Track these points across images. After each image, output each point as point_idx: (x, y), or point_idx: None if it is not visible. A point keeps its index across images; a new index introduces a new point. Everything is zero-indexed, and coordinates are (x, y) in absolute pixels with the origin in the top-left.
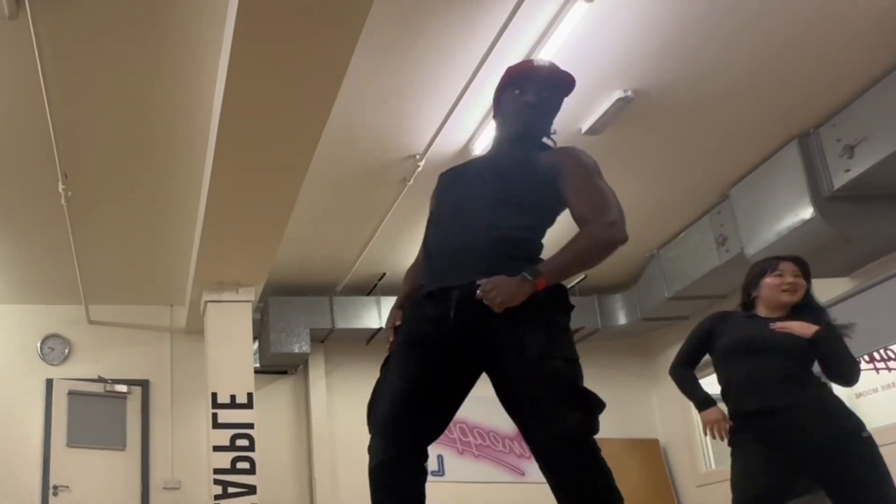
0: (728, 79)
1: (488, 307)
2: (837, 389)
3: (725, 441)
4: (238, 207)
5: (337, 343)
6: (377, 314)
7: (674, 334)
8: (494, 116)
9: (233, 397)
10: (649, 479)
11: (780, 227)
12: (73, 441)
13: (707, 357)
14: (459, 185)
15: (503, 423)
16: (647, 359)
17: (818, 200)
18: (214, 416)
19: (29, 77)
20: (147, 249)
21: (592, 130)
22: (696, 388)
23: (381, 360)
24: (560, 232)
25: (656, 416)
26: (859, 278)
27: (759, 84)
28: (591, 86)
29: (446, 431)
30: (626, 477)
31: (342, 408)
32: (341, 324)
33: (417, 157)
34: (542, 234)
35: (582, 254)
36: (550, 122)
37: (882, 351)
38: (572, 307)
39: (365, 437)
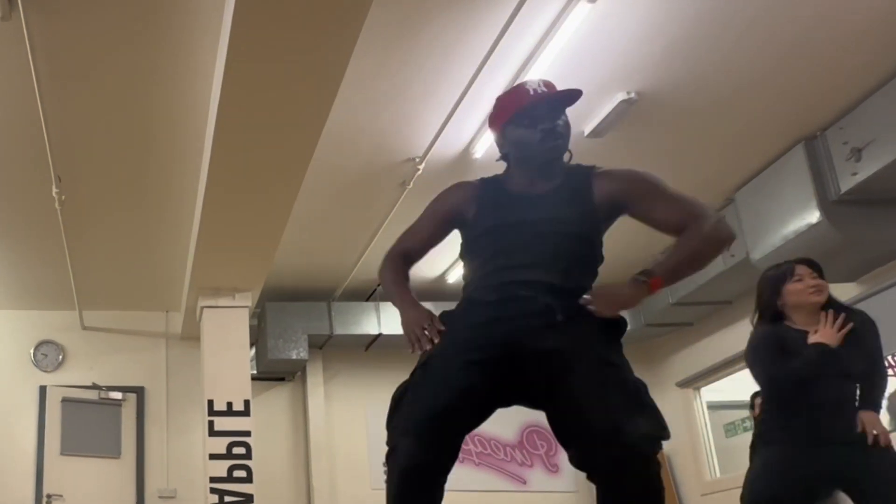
0: (733, 80)
1: (563, 320)
2: None
3: None
4: (235, 211)
5: (335, 349)
6: (376, 320)
7: (678, 341)
8: (503, 153)
9: (229, 405)
10: None
11: (786, 232)
12: (67, 449)
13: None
14: (514, 230)
15: (504, 430)
16: (650, 365)
17: (825, 204)
18: (211, 423)
19: (22, 79)
20: (142, 254)
21: (595, 133)
22: None
23: (381, 367)
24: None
25: None
26: (866, 283)
27: (764, 86)
28: (593, 88)
29: None
30: None
31: (341, 415)
32: (340, 330)
33: (417, 160)
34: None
35: (694, 253)
36: (569, 136)
37: (891, 357)
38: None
39: (363, 444)
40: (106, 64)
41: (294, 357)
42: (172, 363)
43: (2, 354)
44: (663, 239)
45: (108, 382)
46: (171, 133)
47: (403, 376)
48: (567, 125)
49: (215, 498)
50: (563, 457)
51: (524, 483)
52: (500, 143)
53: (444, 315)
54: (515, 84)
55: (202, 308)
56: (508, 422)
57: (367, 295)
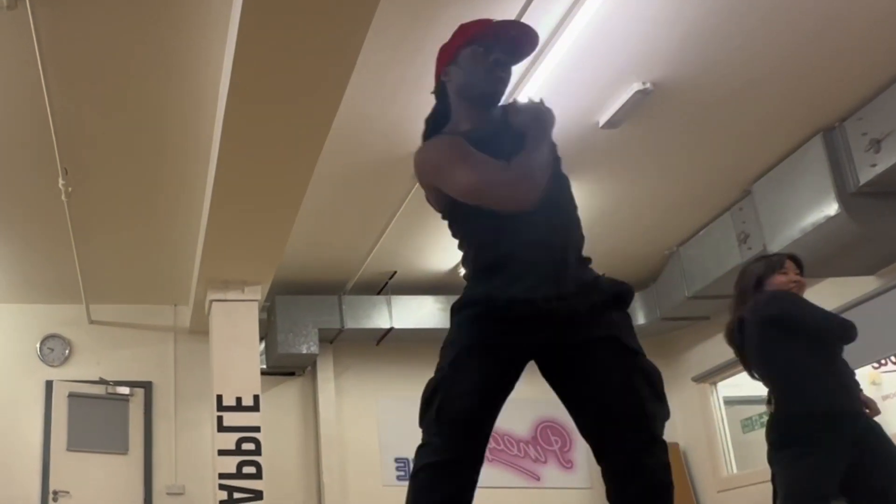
0: (750, 71)
1: (588, 308)
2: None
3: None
4: (244, 203)
5: (346, 344)
6: (388, 314)
7: (694, 335)
8: (444, 75)
9: (238, 400)
10: None
11: (803, 224)
12: (74, 445)
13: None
14: None
15: (518, 426)
16: (666, 360)
17: (843, 196)
18: (219, 419)
19: (28, 69)
20: (150, 247)
21: (610, 124)
22: None
23: (393, 361)
24: None
25: (676, 420)
26: (886, 277)
27: (782, 76)
28: (608, 78)
29: None
30: None
31: (352, 410)
32: (351, 324)
33: None
34: None
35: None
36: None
37: None
38: None
39: (374, 440)
40: (113, 53)
41: (304, 351)
42: (181, 358)
43: (8, 349)
44: (669, 235)
45: (116, 377)
46: (180, 124)
47: (415, 371)
48: (510, 73)
49: (224, 494)
50: (577, 453)
51: (538, 479)
52: (446, 69)
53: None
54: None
55: (211, 302)
56: (522, 417)
57: (379, 288)
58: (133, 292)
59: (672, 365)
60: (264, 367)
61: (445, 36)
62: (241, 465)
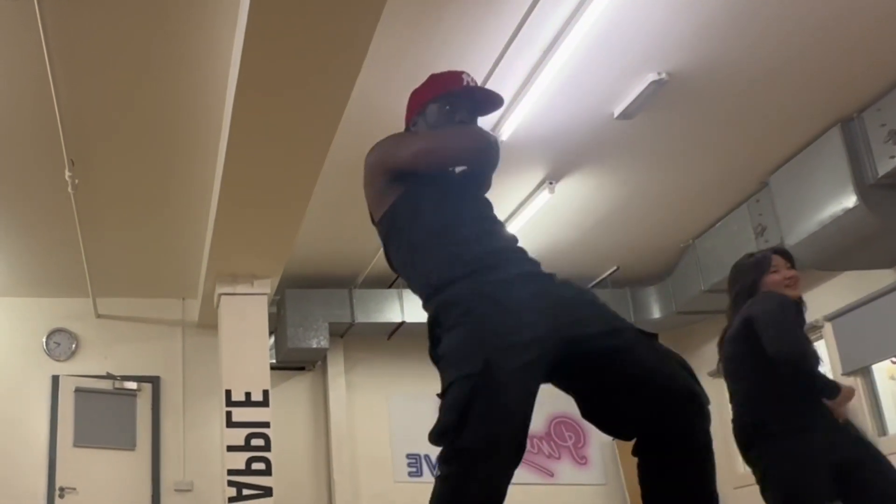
0: (768, 60)
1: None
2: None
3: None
4: (253, 196)
5: (357, 338)
6: (399, 307)
7: (710, 329)
8: (412, 125)
9: (248, 395)
10: None
11: (821, 217)
12: (81, 441)
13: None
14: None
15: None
16: (682, 354)
17: (862, 188)
18: (228, 414)
19: (34, 58)
20: (158, 240)
21: (625, 115)
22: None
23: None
24: None
25: None
26: None
27: (799, 66)
28: (623, 68)
29: None
30: None
31: (362, 406)
32: (361, 317)
33: None
34: None
35: None
36: None
37: None
38: None
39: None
40: (120, 42)
41: (314, 346)
42: (189, 352)
43: (13, 343)
44: (685, 228)
45: (123, 372)
46: (188, 116)
47: (427, 366)
48: None
49: (233, 491)
50: (591, 449)
51: (552, 476)
52: (415, 119)
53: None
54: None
55: (220, 295)
56: (535, 413)
57: (390, 282)
58: (141, 286)
59: (688, 359)
60: (274, 361)
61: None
62: (250, 461)
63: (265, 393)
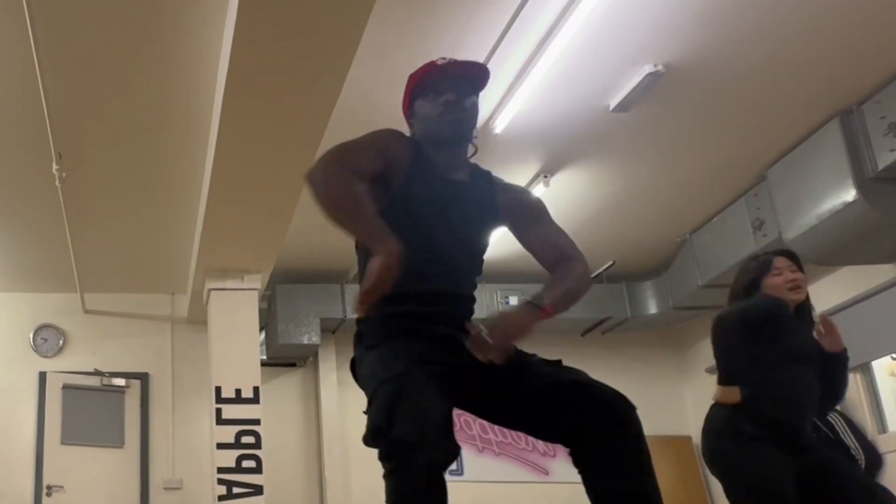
0: (765, 51)
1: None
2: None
3: None
4: (243, 189)
5: (349, 334)
6: None
7: (708, 325)
8: (411, 128)
9: (238, 391)
10: (682, 479)
11: (820, 211)
12: (68, 438)
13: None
14: (438, 196)
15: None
16: (678, 350)
17: (861, 182)
18: (218, 411)
19: (20, 49)
20: (147, 234)
21: (621, 107)
22: None
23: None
24: None
25: (689, 412)
26: None
27: (797, 58)
28: (619, 60)
29: (465, 428)
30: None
31: (354, 403)
32: (353, 313)
33: None
34: None
35: (574, 290)
36: (475, 122)
37: None
38: None
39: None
40: (109, 33)
41: (305, 342)
42: (178, 348)
43: (0, 339)
44: (682, 222)
45: (111, 368)
46: (177, 110)
47: None
48: (474, 107)
49: (223, 489)
50: None
51: (546, 474)
52: (410, 122)
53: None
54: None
55: (209, 290)
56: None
57: None
58: (129, 281)
59: (685, 356)
60: (264, 357)
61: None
62: (240, 458)
63: (255, 390)
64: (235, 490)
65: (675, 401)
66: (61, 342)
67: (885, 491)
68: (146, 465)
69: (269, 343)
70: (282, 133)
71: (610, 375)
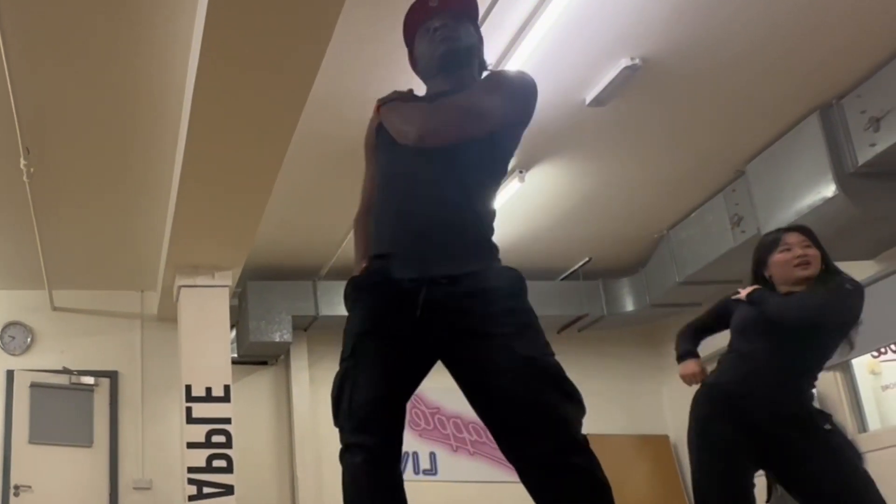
0: (744, 45)
1: (464, 302)
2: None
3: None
4: (214, 185)
5: (321, 331)
6: None
7: (685, 322)
8: (416, 71)
9: (208, 390)
10: (659, 478)
11: (799, 206)
12: (36, 437)
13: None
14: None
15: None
16: (656, 349)
17: (841, 177)
18: (188, 410)
19: None
20: (116, 230)
21: (597, 101)
22: (686, 340)
23: None
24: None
25: (666, 411)
26: (886, 261)
27: (778, 51)
28: (595, 53)
29: (439, 427)
30: (633, 476)
31: (326, 401)
32: (326, 310)
33: None
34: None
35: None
36: (475, 48)
37: None
38: None
39: None
40: (78, 26)
41: (277, 339)
42: (148, 346)
43: None
44: (659, 218)
45: (80, 366)
46: (147, 104)
47: None
48: (468, 33)
49: (193, 489)
50: None
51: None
52: (412, 60)
53: (355, 288)
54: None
55: (179, 287)
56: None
57: None
58: (98, 278)
59: (662, 353)
60: (235, 355)
61: None
62: (210, 458)
63: (226, 388)
64: (206, 490)
65: (652, 399)
66: (29, 340)
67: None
68: (115, 465)
69: (240, 341)
70: (253, 127)
71: (586, 374)
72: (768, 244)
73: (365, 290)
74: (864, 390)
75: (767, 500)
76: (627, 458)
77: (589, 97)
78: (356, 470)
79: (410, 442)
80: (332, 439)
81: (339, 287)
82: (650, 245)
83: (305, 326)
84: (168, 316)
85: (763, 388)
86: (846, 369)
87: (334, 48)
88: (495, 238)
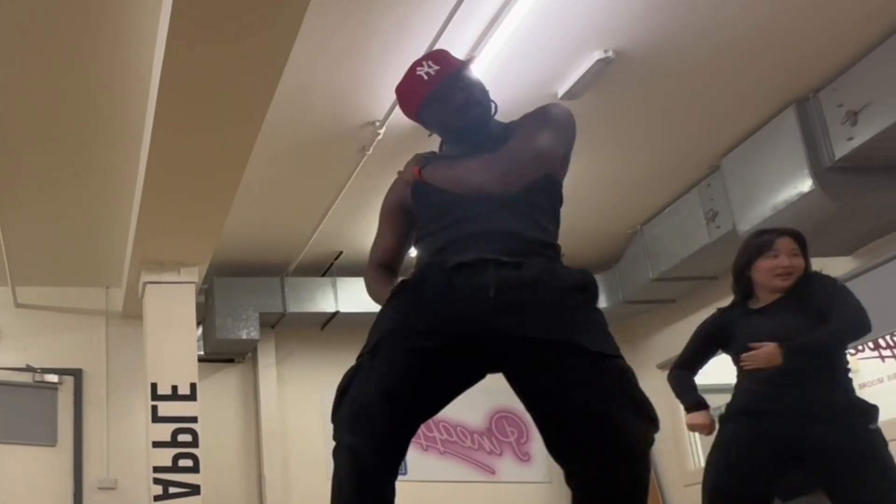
0: (719, 37)
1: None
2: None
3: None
4: (180, 179)
5: (289, 328)
6: (333, 297)
7: (659, 319)
8: (431, 132)
9: (174, 388)
10: None
11: (775, 201)
12: None
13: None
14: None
15: (471, 417)
16: (629, 346)
17: (818, 172)
18: (154, 408)
19: None
20: (80, 225)
21: (570, 94)
22: (688, 390)
23: (338, 347)
24: None
25: None
26: (863, 257)
27: (752, 43)
28: (567, 46)
29: None
30: None
31: (294, 399)
32: (294, 307)
33: (377, 123)
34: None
35: None
36: (488, 97)
37: (888, 337)
38: None
39: (319, 431)
40: (42, 15)
41: (244, 337)
42: (113, 343)
43: None
44: (633, 214)
45: (44, 364)
46: (111, 97)
47: None
48: (476, 84)
49: (159, 489)
50: (534, 445)
51: (493, 473)
52: (424, 126)
53: (400, 286)
54: (406, 72)
55: (145, 284)
56: (474, 407)
57: (324, 270)
58: (62, 274)
59: (636, 351)
60: (202, 353)
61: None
62: (176, 457)
63: (192, 386)
64: (172, 490)
65: None
66: None
67: None
68: (79, 465)
69: (206, 338)
70: (220, 120)
71: None
72: (759, 246)
73: (412, 287)
74: None
75: None
76: None
77: (561, 90)
78: (341, 472)
79: None
80: (299, 438)
81: (308, 283)
82: (623, 241)
83: (273, 324)
84: (133, 313)
85: (783, 400)
86: None
87: (301, 40)
88: None
